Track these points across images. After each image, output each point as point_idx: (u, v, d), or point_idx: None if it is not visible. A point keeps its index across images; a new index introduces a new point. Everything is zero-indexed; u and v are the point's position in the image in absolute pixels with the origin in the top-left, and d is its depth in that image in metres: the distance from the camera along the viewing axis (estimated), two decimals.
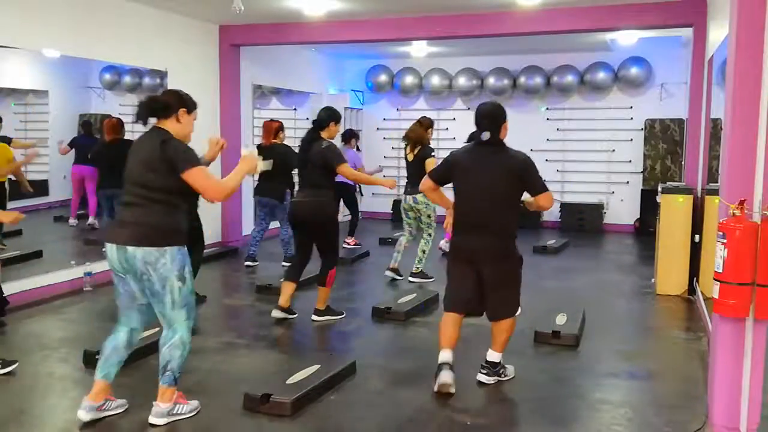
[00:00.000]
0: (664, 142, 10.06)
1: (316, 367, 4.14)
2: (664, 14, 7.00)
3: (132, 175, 3.47)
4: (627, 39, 8.91)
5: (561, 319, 5.21)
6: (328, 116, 5.32)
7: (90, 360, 4.43)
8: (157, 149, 3.39)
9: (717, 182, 4.58)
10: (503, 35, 7.97)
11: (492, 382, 4.16)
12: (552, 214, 10.64)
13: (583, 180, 10.70)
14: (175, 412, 3.60)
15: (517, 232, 4.07)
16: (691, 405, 3.85)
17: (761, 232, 3.08)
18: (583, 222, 10.45)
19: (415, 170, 6.53)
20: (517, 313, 4.19)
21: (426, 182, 4.26)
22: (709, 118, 6.39)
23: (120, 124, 6.77)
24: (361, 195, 8.48)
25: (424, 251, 6.94)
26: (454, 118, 11.29)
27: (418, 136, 6.69)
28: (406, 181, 6.91)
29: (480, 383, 4.16)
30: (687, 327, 5.48)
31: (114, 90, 8.06)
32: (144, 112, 3.50)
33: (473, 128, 4.15)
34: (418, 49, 10.32)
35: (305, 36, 8.36)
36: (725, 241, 3.11)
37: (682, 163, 8.58)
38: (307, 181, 5.37)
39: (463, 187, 4.06)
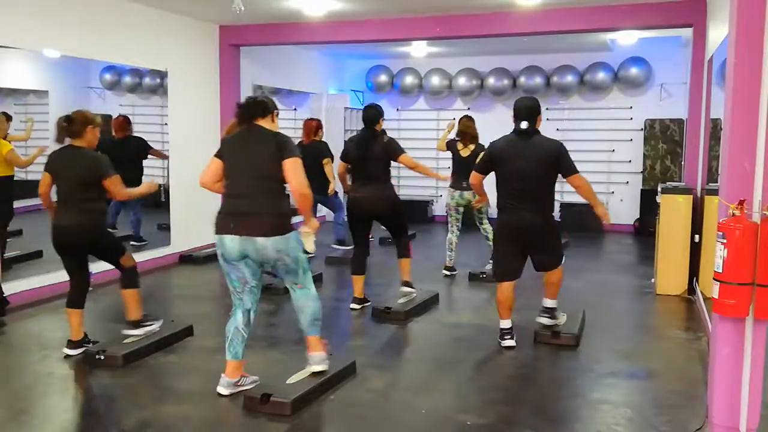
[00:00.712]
0: (663, 142, 10.06)
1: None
2: (664, 14, 7.00)
3: (248, 169, 3.80)
4: (627, 39, 8.92)
5: (561, 319, 5.21)
6: (379, 113, 5.81)
7: (90, 360, 4.44)
8: (270, 144, 3.79)
9: (717, 182, 4.58)
10: (503, 35, 7.97)
11: (551, 323, 5.00)
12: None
13: None
14: (326, 360, 4.07)
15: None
16: (691, 405, 3.85)
17: (761, 232, 3.08)
18: (583, 222, 10.43)
19: (472, 166, 6.75)
20: (563, 262, 4.95)
21: (475, 176, 4.93)
22: (709, 118, 6.40)
23: (127, 121, 6.78)
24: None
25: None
26: (454, 118, 11.24)
27: (475, 132, 7.11)
28: (458, 177, 7.01)
29: (542, 325, 5.01)
30: (687, 327, 5.48)
31: (114, 90, 8.05)
32: (252, 111, 3.89)
33: None
34: (418, 49, 10.32)
35: (305, 36, 8.36)
36: (725, 241, 3.11)
37: (682, 163, 8.59)
38: (367, 175, 5.73)
39: (506, 171, 4.69)
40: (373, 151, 5.67)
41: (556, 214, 10.41)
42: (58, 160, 4.55)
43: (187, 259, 7.88)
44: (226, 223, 3.81)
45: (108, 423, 3.66)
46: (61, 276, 6.34)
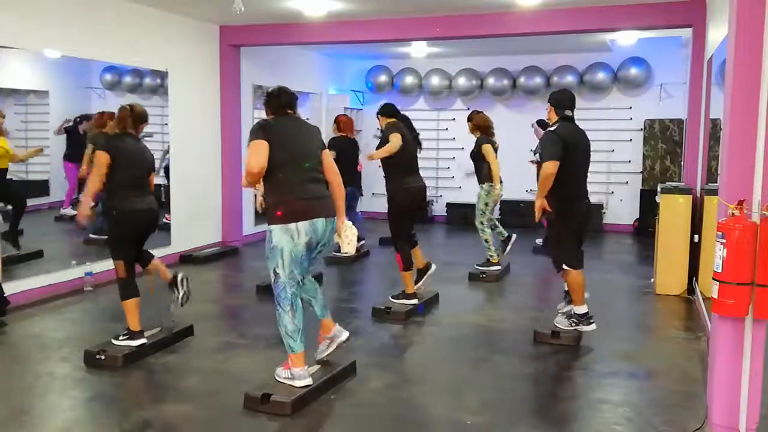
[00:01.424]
0: (663, 142, 10.07)
1: (316, 367, 4.15)
2: (664, 15, 7.01)
3: (312, 155, 3.90)
4: (626, 39, 8.92)
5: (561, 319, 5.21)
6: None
7: (90, 360, 4.45)
8: (316, 132, 4.01)
9: (716, 182, 4.58)
10: (503, 35, 7.97)
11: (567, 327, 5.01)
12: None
13: None
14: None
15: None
16: (691, 404, 3.86)
17: (760, 232, 3.08)
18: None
19: (477, 160, 7.14)
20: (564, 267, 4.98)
21: (553, 165, 4.68)
22: (709, 118, 6.40)
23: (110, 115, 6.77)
24: (361, 195, 8.48)
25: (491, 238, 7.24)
26: (453, 119, 11.30)
27: (482, 123, 7.19)
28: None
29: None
30: (686, 327, 5.48)
31: (115, 90, 8.06)
32: (294, 101, 3.99)
33: None
34: (418, 50, 10.32)
35: (305, 36, 8.36)
36: (724, 241, 3.11)
37: (682, 163, 8.59)
38: (416, 167, 5.89)
39: (576, 159, 4.80)
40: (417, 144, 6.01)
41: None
42: (129, 147, 4.63)
43: (187, 259, 7.88)
44: (312, 208, 3.82)
45: (108, 423, 3.66)
46: (62, 276, 6.38)
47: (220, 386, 4.13)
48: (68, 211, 7.52)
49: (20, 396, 3.99)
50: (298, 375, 3.89)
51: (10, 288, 5.70)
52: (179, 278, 5.03)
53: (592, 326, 4.89)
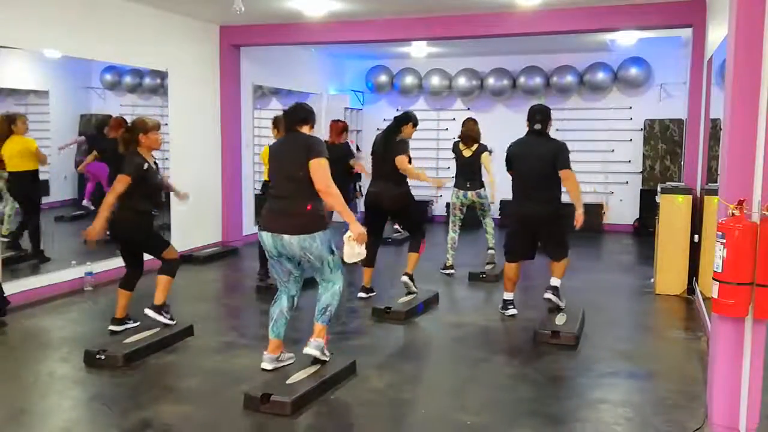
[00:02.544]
0: (663, 142, 10.07)
1: (316, 367, 4.15)
2: (664, 15, 7.01)
3: (284, 172, 4.11)
4: (626, 39, 8.92)
5: (561, 319, 5.22)
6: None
7: (90, 360, 4.45)
8: (302, 149, 4.11)
9: (716, 182, 4.58)
10: (503, 36, 7.97)
11: (554, 299, 5.40)
12: None
13: (583, 180, 10.54)
14: (325, 351, 4.23)
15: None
16: (691, 404, 3.86)
17: (760, 232, 3.08)
18: (583, 222, 10.44)
19: (476, 166, 7.21)
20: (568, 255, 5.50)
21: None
22: (709, 119, 6.40)
23: (124, 121, 6.79)
24: (361, 195, 8.47)
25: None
26: (453, 119, 11.29)
27: (477, 134, 7.27)
28: (462, 177, 7.30)
29: (547, 299, 5.41)
30: (686, 327, 5.48)
31: (115, 90, 8.05)
32: (291, 119, 4.22)
33: None
34: (418, 50, 10.32)
35: (305, 36, 8.36)
36: (724, 241, 3.12)
37: (682, 163, 8.59)
38: (379, 173, 6.12)
39: (520, 167, 5.36)
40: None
41: None
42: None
43: (187, 259, 7.86)
44: (264, 220, 4.17)
45: (108, 423, 3.66)
46: (62, 276, 6.38)
47: (220, 386, 4.13)
48: (89, 204, 7.60)
49: (20, 396, 3.99)
50: (264, 357, 4.26)
51: (11, 288, 5.70)
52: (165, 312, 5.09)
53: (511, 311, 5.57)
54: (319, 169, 4.00)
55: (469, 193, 7.22)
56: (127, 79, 8.07)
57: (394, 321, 5.51)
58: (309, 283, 4.51)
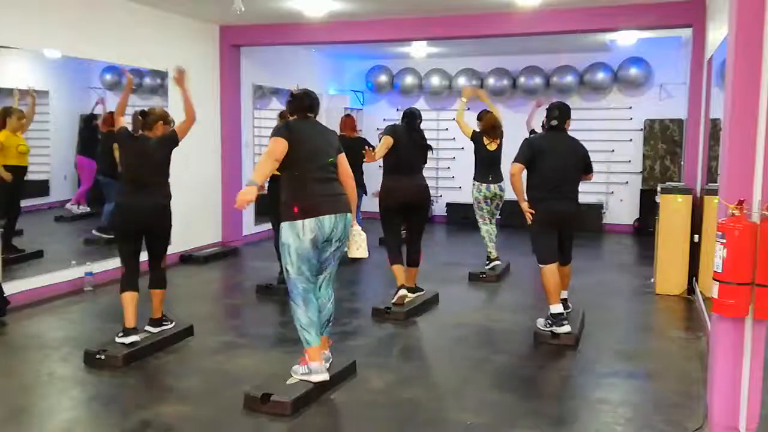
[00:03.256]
0: (663, 143, 10.06)
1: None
2: (664, 15, 7.01)
3: (326, 155, 4.00)
4: (626, 39, 8.92)
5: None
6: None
7: (90, 360, 4.45)
8: (333, 135, 4.15)
9: (716, 182, 4.59)
10: (503, 36, 7.97)
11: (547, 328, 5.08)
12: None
13: (582, 180, 10.66)
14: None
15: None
16: (691, 404, 3.86)
17: (760, 232, 3.08)
18: (583, 222, 10.43)
19: (499, 159, 7.18)
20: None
21: (516, 166, 5.02)
22: (709, 118, 6.40)
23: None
24: (365, 194, 8.47)
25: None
26: (453, 119, 11.27)
27: (501, 126, 7.16)
28: (484, 170, 7.19)
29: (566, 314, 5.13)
30: (686, 327, 5.48)
31: (115, 90, 8.04)
32: (315, 104, 4.12)
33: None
34: (418, 50, 10.32)
35: (305, 36, 8.36)
36: (724, 241, 3.11)
37: (682, 163, 8.59)
38: (405, 168, 5.89)
39: (549, 163, 5.05)
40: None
41: None
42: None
43: (187, 259, 7.88)
44: (323, 205, 3.90)
45: (108, 423, 3.66)
46: (62, 276, 6.38)
47: (220, 386, 4.13)
48: (74, 208, 7.55)
49: (20, 396, 3.99)
50: (315, 369, 3.91)
51: (10, 288, 5.70)
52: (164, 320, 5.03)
53: (566, 327, 4.95)
54: (345, 163, 4.10)
55: (492, 186, 7.17)
56: None
57: (394, 321, 5.51)
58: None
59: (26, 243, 6.63)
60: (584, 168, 5.27)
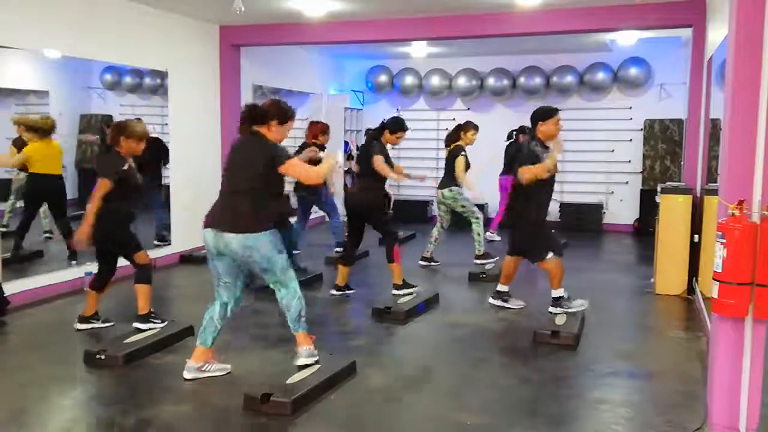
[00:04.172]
0: (663, 143, 10.07)
1: (316, 367, 4.15)
2: (664, 15, 7.00)
3: (231, 172, 4.10)
4: (626, 39, 8.92)
5: (561, 319, 5.22)
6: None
7: (90, 360, 4.45)
8: (256, 150, 4.07)
9: (716, 182, 4.59)
10: (503, 36, 7.97)
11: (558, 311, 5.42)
12: (551, 214, 10.61)
13: (583, 180, 10.69)
14: (313, 353, 4.19)
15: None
16: (691, 404, 3.86)
17: (760, 232, 3.08)
18: (583, 222, 10.45)
19: (448, 167, 7.52)
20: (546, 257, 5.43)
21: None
22: (709, 119, 6.40)
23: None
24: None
25: (479, 234, 7.60)
26: (453, 119, 11.26)
27: (452, 138, 7.62)
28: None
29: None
30: (686, 327, 5.48)
31: (115, 90, 8.05)
32: (245, 118, 4.13)
33: None
34: (418, 50, 10.32)
35: (305, 36, 8.36)
36: (724, 241, 3.11)
37: (682, 163, 8.59)
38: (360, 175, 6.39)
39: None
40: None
41: (556, 213, 10.59)
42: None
43: (187, 259, 7.88)
44: (207, 218, 4.13)
45: (108, 423, 3.66)
46: (62, 276, 6.38)
47: (220, 386, 4.13)
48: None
49: (20, 396, 3.99)
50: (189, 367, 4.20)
51: (11, 288, 5.70)
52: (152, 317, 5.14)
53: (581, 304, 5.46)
54: (293, 170, 4.13)
55: (438, 192, 7.66)
56: (127, 79, 8.07)
57: (394, 321, 5.51)
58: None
59: (26, 243, 6.62)
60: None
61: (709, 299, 3.38)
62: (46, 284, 6.22)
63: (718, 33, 5.49)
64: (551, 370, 4.48)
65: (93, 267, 6.52)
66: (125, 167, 4.81)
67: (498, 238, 9.12)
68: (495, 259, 7.47)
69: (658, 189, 6.64)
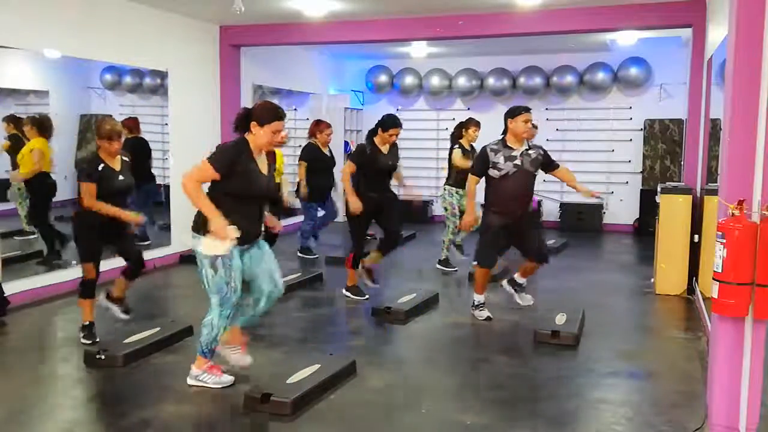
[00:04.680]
0: (663, 143, 10.07)
1: (316, 367, 4.15)
2: (664, 14, 7.00)
3: None
4: (626, 39, 8.92)
5: (561, 319, 5.22)
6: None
7: (90, 360, 4.45)
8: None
9: (716, 182, 4.59)
10: (503, 36, 7.97)
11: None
12: (551, 214, 10.66)
13: (583, 180, 10.54)
14: (201, 378, 4.06)
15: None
16: (691, 404, 3.86)
17: (760, 232, 3.08)
18: (583, 222, 10.45)
19: (449, 166, 7.43)
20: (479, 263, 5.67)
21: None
22: (708, 119, 6.40)
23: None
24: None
25: (444, 240, 7.51)
26: (453, 119, 11.21)
27: (455, 136, 7.47)
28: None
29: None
30: (686, 327, 5.48)
31: (115, 90, 8.06)
32: (235, 126, 4.01)
33: None
34: (418, 50, 10.32)
35: (305, 36, 8.36)
36: (724, 241, 3.11)
37: (681, 163, 8.59)
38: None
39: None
40: None
41: (556, 213, 10.59)
42: None
43: (187, 259, 7.87)
44: None
45: (108, 423, 3.66)
46: (62, 276, 6.38)
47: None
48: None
49: (20, 396, 3.99)
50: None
51: (11, 288, 5.70)
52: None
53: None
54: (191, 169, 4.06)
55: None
56: (127, 79, 8.07)
57: (394, 321, 5.50)
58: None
59: (26, 243, 6.63)
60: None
61: (709, 299, 3.38)
62: (47, 284, 6.21)
63: (718, 33, 5.49)
64: (551, 370, 4.48)
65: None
66: (99, 168, 4.65)
67: None
68: (455, 269, 7.36)
69: (658, 189, 6.64)
